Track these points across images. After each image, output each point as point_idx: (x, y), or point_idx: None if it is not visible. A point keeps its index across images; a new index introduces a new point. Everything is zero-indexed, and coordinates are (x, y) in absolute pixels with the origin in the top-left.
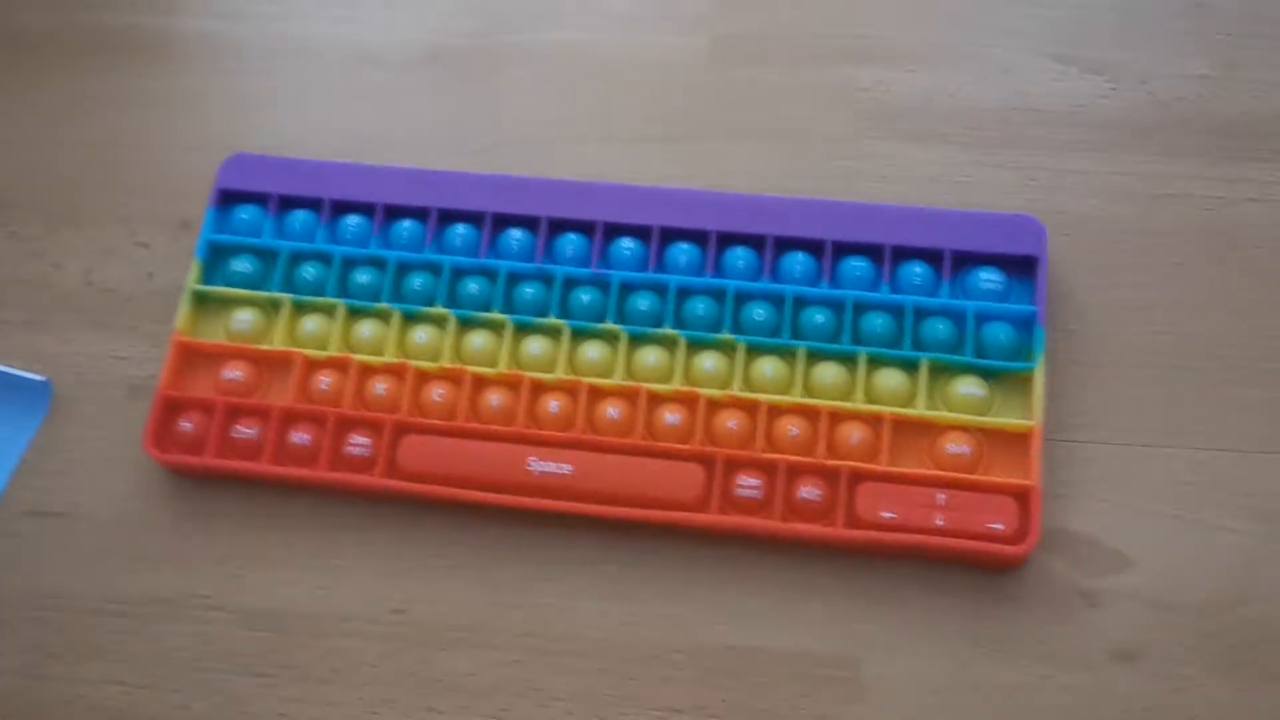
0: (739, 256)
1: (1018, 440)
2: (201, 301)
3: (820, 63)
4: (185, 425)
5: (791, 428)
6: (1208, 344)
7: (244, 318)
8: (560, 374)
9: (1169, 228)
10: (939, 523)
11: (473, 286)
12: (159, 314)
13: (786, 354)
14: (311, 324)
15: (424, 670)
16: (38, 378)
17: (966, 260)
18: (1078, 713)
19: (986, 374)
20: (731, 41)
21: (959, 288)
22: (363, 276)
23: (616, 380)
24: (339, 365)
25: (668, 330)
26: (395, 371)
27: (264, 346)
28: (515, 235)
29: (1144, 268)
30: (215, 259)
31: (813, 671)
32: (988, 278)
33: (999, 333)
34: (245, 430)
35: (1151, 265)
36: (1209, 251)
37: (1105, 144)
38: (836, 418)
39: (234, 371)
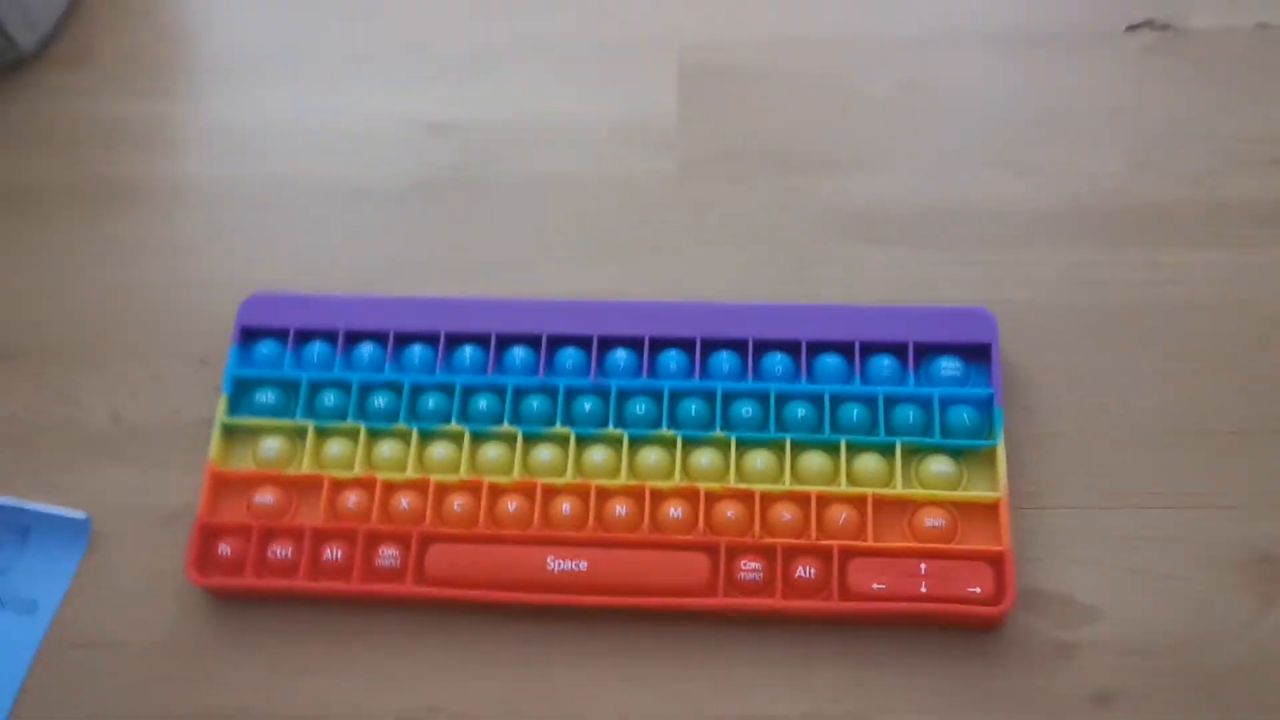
0: (724, 359)
1: (987, 510)
2: (230, 433)
3: (780, 176)
4: (223, 550)
5: (784, 513)
6: (1144, 411)
7: (271, 445)
8: (570, 478)
9: (1098, 309)
10: (923, 590)
11: (483, 403)
12: (186, 446)
13: (774, 446)
14: (335, 447)
15: None
16: (77, 514)
17: (928, 351)
18: None
19: (954, 452)
20: (697, 162)
21: (923, 376)
22: (380, 400)
23: (622, 480)
24: (364, 484)
25: (665, 431)
26: (417, 486)
27: (292, 471)
28: (518, 353)
29: (1083, 346)
30: (240, 392)
31: None
32: (948, 366)
33: (962, 414)
34: (280, 551)
35: (1089, 343)
36: (1136, 327)
37: (1039, 238)
38: (824, 501)
39: (265, 496)
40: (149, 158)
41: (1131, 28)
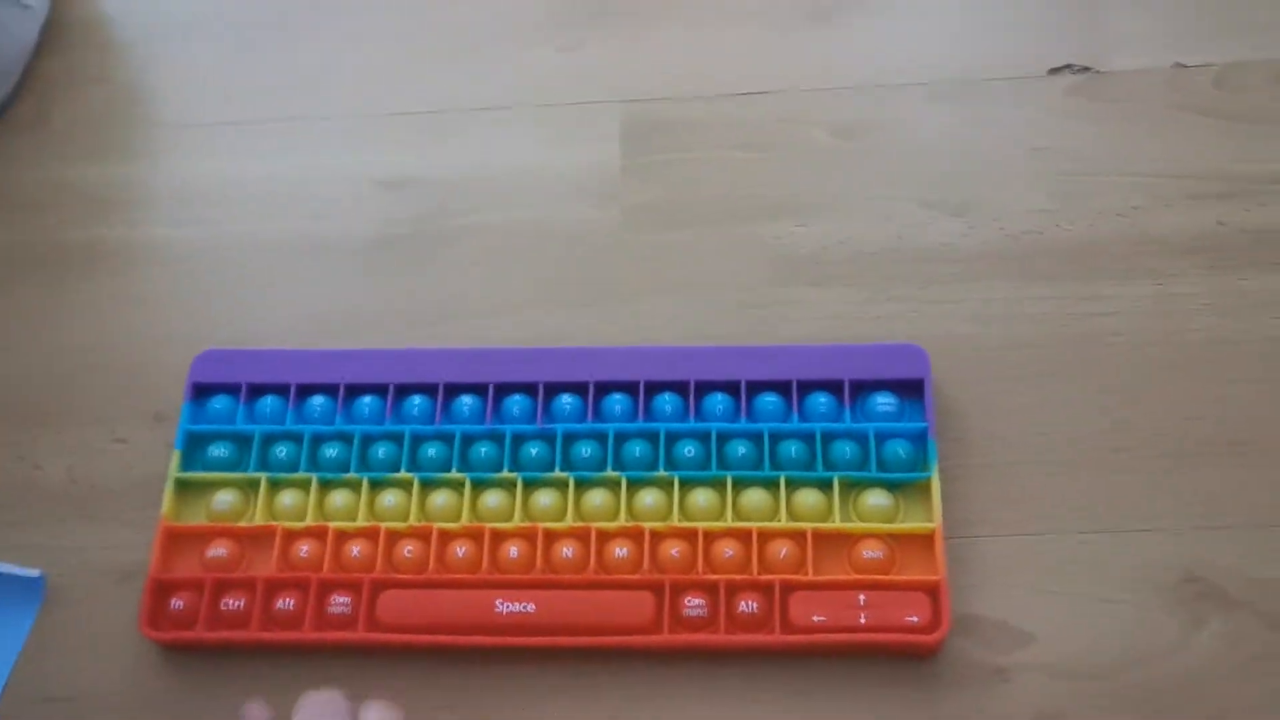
0: (666, 401)
1: (923, 541)
2: (183, 488)
3: (721, 223)
4: (176, 604)
5: (727, 550)
6: (1074, 440)
7: (224, 499)
8: (517, 522)
9: (1033, 342)
10: (863, 621)
11: (431, 451)
12: (140, 502)
13: (716, 484)
14: (288, 498)
15: None
16: (32, 572)
17: (863, 387)
18: None
19: (890, 486)
20: (641, 211)
21: (859, 412)
22: (331, 451)
23: (568, 523)
24: (316, 534)
25: (610, 473)
26: (368, 534)
27: (244, 523)
28: (466, 401)
29: (1016, 378)
30: (193, 447)
31: None
32: (883, 401)
33: (897, 448)
34: (233, 603)
35: (1022, 376)
36: (1070, 359)
37: (972, 275)
38: (765, 537)
39: (218, 549)
40: (105, 219)
41: (1054, 71)
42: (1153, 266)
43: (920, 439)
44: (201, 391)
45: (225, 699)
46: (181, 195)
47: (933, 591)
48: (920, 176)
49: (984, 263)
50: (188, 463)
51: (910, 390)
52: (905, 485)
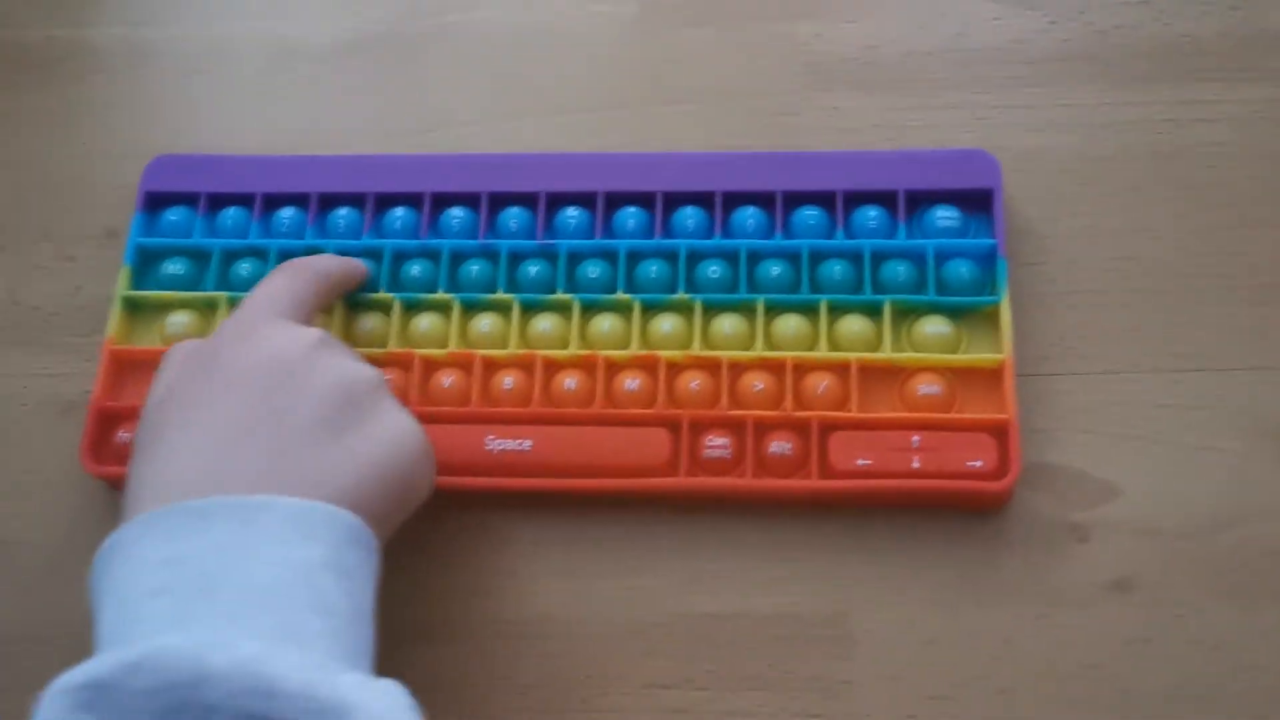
0: (688, 215)
1: (990, 376)
2: (133, 308)
3: (754, 20)
4: (123, 436)
5: (756, 383)
6: (1169, 266)
7: (179, 320)
8: (513, 349)
9: (1120, 154)
10: (916, 466)
11: (415, 269)
12: (89, 327)
13: (745, 309)
14: None
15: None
16: None
17: (921, 200)
18: (1076, 650)
19: (952, 312)
20: (661, 5)
21: (916, 228)
22: None
23: (571, 350)
24: None
25: (621, 295)
26: None
27: None
28: (456, 214)
29: (1099, 196)
30: (145, 264)
31: (800, 632)
32: (944, 215)
33: (961, 269)
34: None
35: (1106, 193)
36: (1162, 174)
37: (1049, 77)
38: (801, 369)
39: None
40: (53, 20)
41: None
42: (1272, 66)
43: (988, 258)
44: (155, 202)
45: None
46: None
47: (1000, 433)
48: None
49: (1064, 63)
50: (139, 280)
51: (976, 204)
52: (969, 311)
